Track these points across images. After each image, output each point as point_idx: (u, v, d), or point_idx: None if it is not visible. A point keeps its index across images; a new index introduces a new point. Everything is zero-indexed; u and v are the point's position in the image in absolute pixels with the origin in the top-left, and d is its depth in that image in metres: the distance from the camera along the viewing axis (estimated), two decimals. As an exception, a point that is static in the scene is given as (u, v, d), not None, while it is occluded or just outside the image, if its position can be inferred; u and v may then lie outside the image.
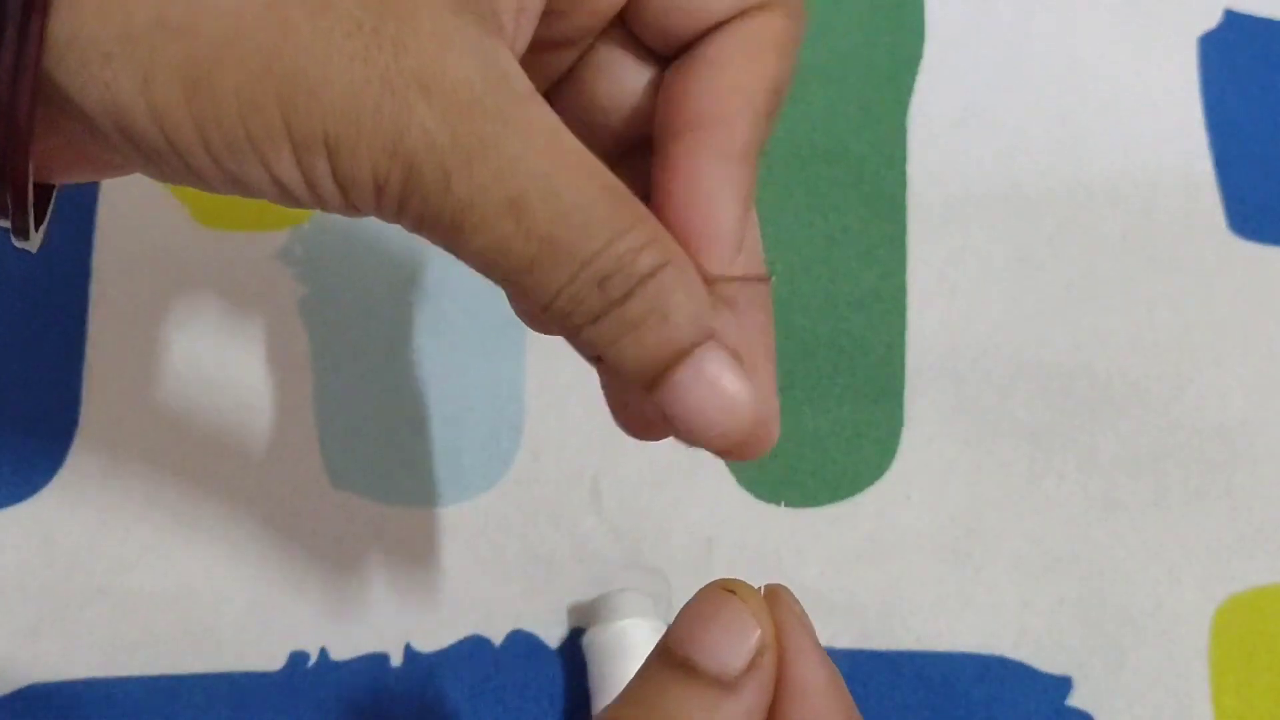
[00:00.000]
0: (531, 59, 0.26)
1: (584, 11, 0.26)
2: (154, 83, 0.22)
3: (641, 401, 0.26)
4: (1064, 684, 0.40)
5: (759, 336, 0.26)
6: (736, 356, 0.24)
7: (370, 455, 0.40)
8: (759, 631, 0.24)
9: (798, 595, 0.25)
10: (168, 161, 0.23)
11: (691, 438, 0.24)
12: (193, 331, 0.41)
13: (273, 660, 0.39)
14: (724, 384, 0.24)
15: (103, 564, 0.39)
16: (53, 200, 0.26)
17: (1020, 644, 0.40)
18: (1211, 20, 0.44)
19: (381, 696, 0.39)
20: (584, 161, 0.23)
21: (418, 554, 0.40)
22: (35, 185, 0.23)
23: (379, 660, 0.39)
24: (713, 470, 0.41)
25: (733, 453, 0.25)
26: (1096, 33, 0.44)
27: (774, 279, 0.25)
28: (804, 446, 0.41)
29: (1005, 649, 0.40)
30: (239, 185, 0.23)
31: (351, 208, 0.23)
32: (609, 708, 0.24)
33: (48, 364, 0.41)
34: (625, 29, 0.27)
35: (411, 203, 0.23)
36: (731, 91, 0.25)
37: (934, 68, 0.43)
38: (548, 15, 0.25)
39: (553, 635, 0.40)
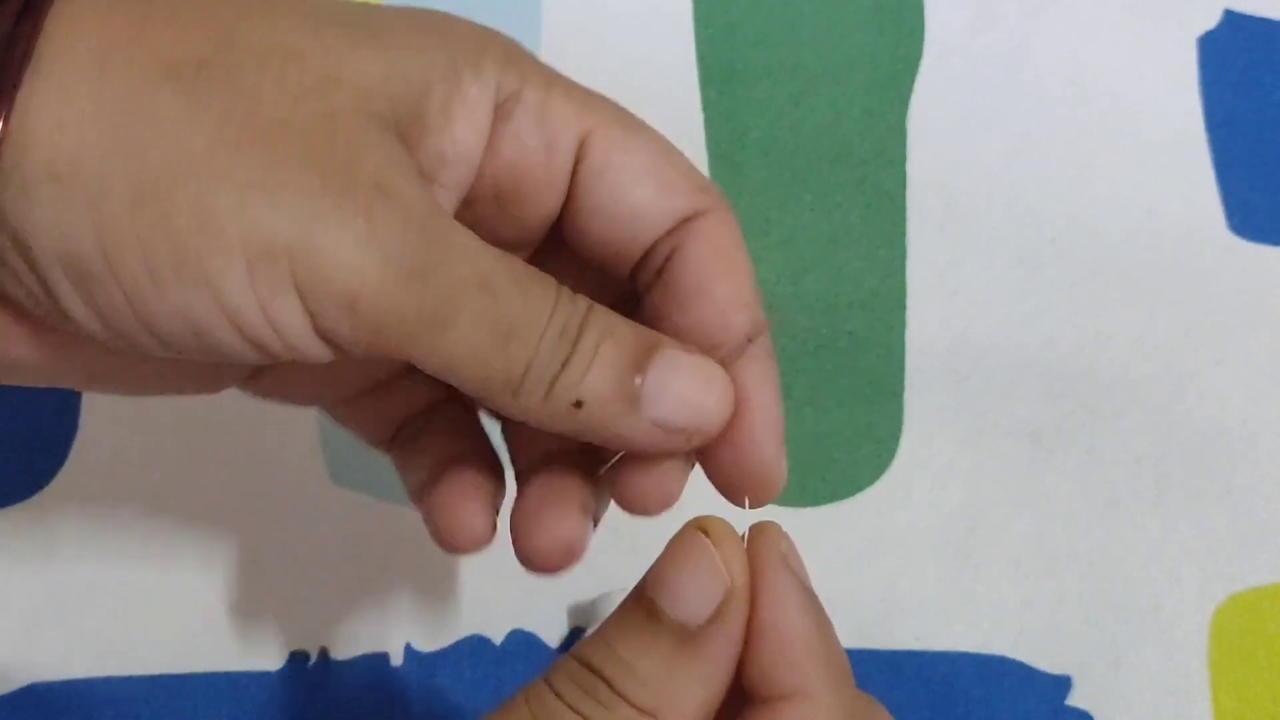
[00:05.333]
0: None
1: (506, 228, 0.27)
2: (100, 200, 0.22)
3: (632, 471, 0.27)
4: (1063, 683, 0.40)
5: (765, 387, 0.27)
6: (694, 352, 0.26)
7: (371, 453, 0.40)
8: (725, 578, 0.24)
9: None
10: (108, 296, 0.22)
11: (685, 429, 0.25)
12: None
13: (273, 660, 0.39)
14: (697, 367, 0.25)
15: (103, 563, 0.39)
16: None
17: (1020, 643, 0.40)
18: (1211, 20, 0.44)
19: (381, 696, 0.39)
20: (511, 255, 0.25)
21: (418, 553, 0.40)
22: None
23: (379, 660, 0.39)
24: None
25: (733, 462, 0.26)
26: (1096, 33, 0.44)
27: (774, 318, 0.27)
28: (804, 446, 0.41)
29: (1005, 648, 0.40)
30: (184, 320, 0.23)
31: (323, 338, 0.23)
32: (584, 641, 0.24)
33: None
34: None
35: (390, 313, 0.23)
36: (730, 309, 0.26)
37: (934, 69, 0.43)
38: (476, 223, 0.26)
39: (553, 635, 0.40)
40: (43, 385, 0.27)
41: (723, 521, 0.25)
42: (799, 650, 0.24)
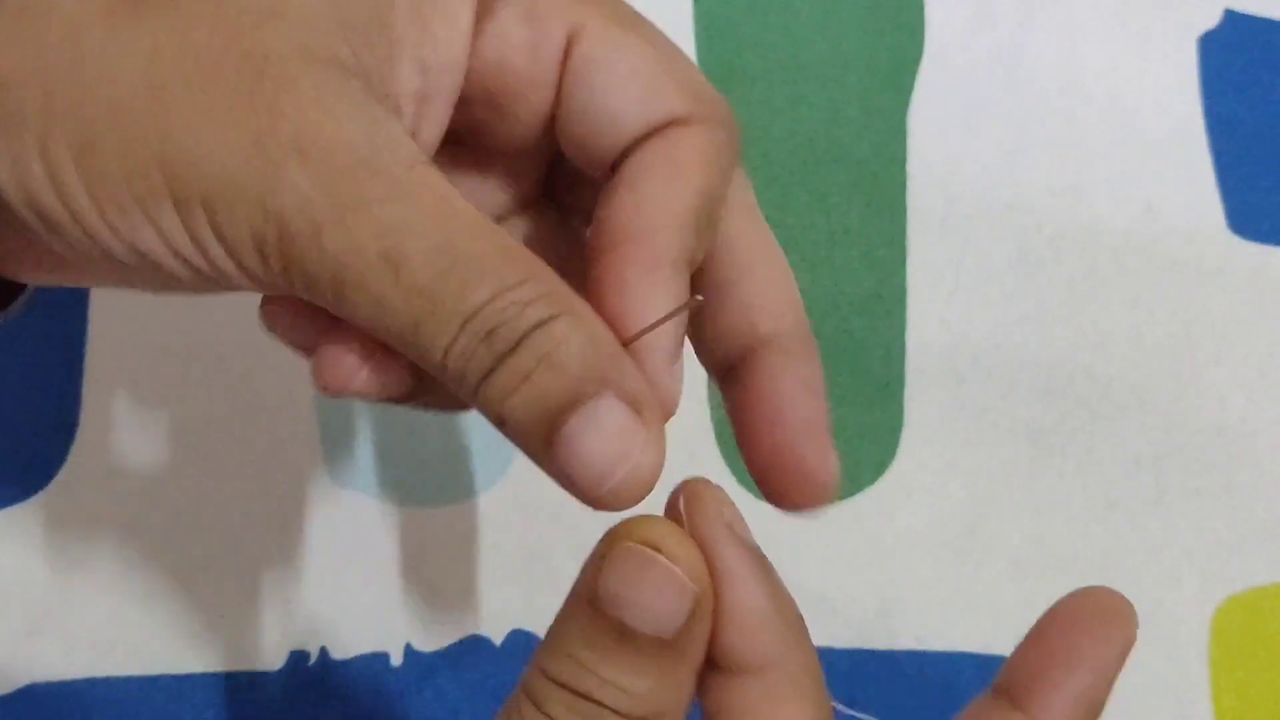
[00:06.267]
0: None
1: (506, 128, 0.26)
2: (48, 153, 0.23)
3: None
4: (1064, 684, 0.40)
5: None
6: (640, 410, 0.23)
7: (371, 454, 0.40)
8: (692, 588, 0.23)
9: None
10: (73, 234, 0.23)
11: (582, 493, 0.23)
12: (193, 331, 0.41)
13: (273, 660, 0.39)
14: (619, 435, 0.22)
15: (103, 564, 0.39)
16: (24, 296, 0.28)
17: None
18: (1211, 20, 0.44)
19: (381, 696, 0.39)
20: (476, 223, 0.23)
21: (418, 553, 0.40)
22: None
23: (379, 660, 0.39)
24: (712, 469, 0.41)
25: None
26: (1096, 33, 0.44)
27: (702, 299, 0.25)
28: (804, 446, 0.41)
29: (1005, 649, 0.40)
30: (141, 255, 0.23)
31: (246, 274, 0.23)
32: (562, 668, 0.24)
33: (48, 364, 0.41)
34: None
35: (293, 263, 0.23)
36: (652, 207, 0.24)
37: (934, 68, 0.43)
38: (473, 127, 0.26)
39: (553, 635, 0.40)
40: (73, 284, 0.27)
41: (666, 526, 0.24)
42: (761, 624, 0.24)
